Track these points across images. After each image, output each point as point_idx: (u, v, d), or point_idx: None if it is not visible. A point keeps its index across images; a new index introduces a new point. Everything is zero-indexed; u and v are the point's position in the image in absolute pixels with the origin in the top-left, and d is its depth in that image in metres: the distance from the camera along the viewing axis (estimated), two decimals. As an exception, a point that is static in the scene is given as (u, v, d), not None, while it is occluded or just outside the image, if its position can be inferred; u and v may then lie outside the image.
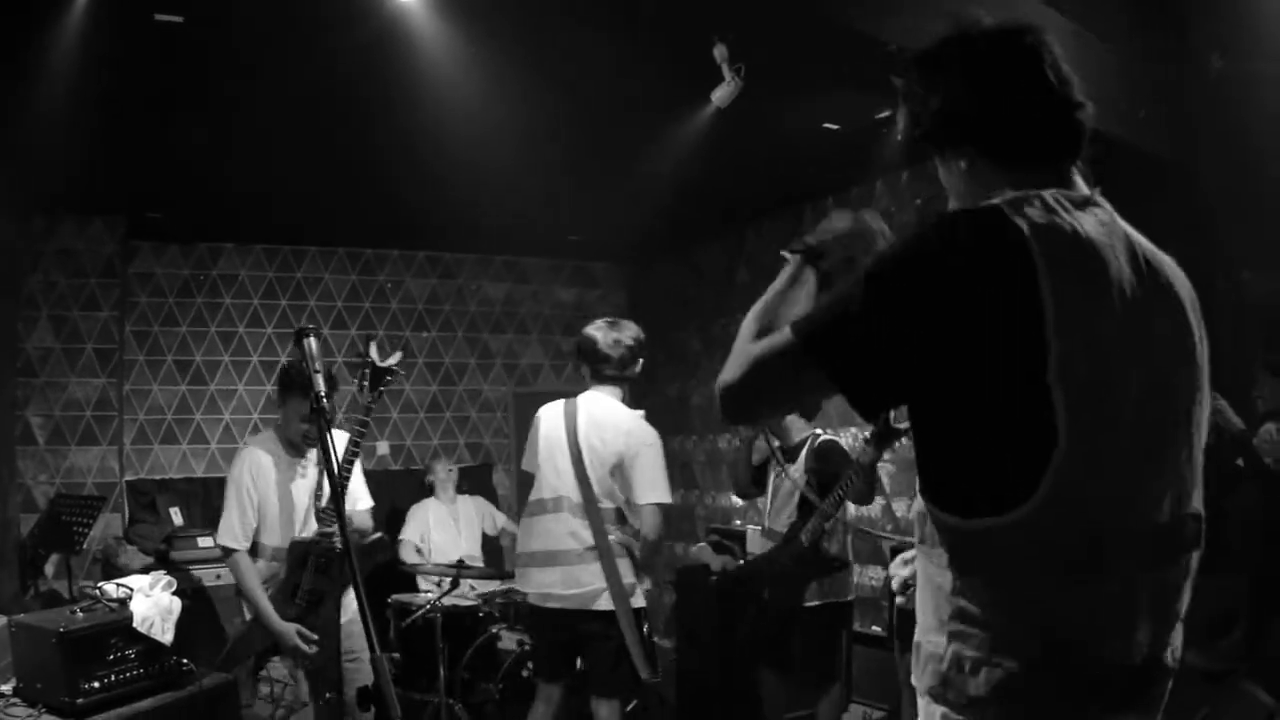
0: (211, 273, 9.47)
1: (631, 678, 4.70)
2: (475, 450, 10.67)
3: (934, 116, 1.89)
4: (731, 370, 1.87)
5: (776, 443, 5.89)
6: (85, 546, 7.30)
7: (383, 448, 10.16)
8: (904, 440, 5.37)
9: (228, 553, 4.74)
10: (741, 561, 5.88)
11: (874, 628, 7.57)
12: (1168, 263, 1.85)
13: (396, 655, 6.31)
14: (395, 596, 6.74)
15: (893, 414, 5.14)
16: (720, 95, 5.46)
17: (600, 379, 4.90)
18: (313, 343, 2.50)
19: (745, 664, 5.90)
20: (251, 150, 6.86)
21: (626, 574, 4.67)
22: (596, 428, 4.76)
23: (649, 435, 4.79)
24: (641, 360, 4.94)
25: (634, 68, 5.78)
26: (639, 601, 4.77)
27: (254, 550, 4.81)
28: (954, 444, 1.72)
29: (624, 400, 4.92)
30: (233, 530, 4.73)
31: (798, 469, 5.66)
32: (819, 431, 5.78)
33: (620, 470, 4.71)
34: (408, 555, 7.78)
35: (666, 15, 5.07)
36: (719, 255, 10.17)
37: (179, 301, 9.30)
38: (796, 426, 5.79)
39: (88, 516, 7.19)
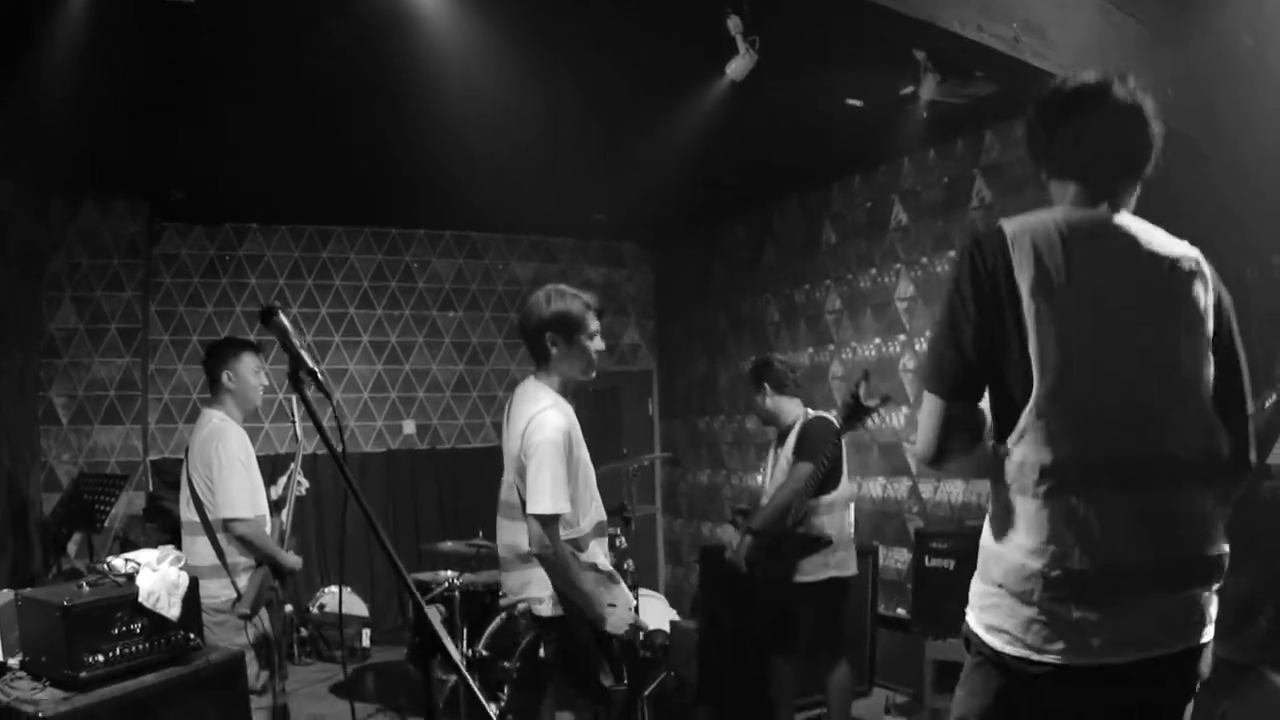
0: (237, 253, 9.51)
1: (586, 687, 4.21)
2: (501, 430, 10.60)
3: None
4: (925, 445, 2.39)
5: (772, 428, 5.89)
6: (107, 525, 7.34)
7: (409, 427, 10.17)
8: (876, 418, 5.27)
9: (241, 521, 4.98)
10: (744, 539, 5.75)
11: (899, 610, 7.49)
12: (1179, 253, 2.41)
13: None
14: (414, 575, 6.69)
15: (861, 390, 5.09)
16: (735, 68, 5.33)
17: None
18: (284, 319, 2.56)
19: (757, 647, 5.84)
20: (272, 131, 6.84)
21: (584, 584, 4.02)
22: (508, 424, 4.30)
23: (543, 431, 3.96)
24: (549, 335, 4.15)
25: (653, 43, 5.68)
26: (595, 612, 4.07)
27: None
28: None
29: (565, 387, 4.25)
30: (247, 500, 5.04)
31: (786, 450, 5.65)
32: (809, 411, 5.75)
33: (523, 473, 4.03)
34: None
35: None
36: (745, 235, 10.08)
37: (204, 282, 9.35)
38: (786, 409, 5.74)
39: (110, 495, 7.23)
